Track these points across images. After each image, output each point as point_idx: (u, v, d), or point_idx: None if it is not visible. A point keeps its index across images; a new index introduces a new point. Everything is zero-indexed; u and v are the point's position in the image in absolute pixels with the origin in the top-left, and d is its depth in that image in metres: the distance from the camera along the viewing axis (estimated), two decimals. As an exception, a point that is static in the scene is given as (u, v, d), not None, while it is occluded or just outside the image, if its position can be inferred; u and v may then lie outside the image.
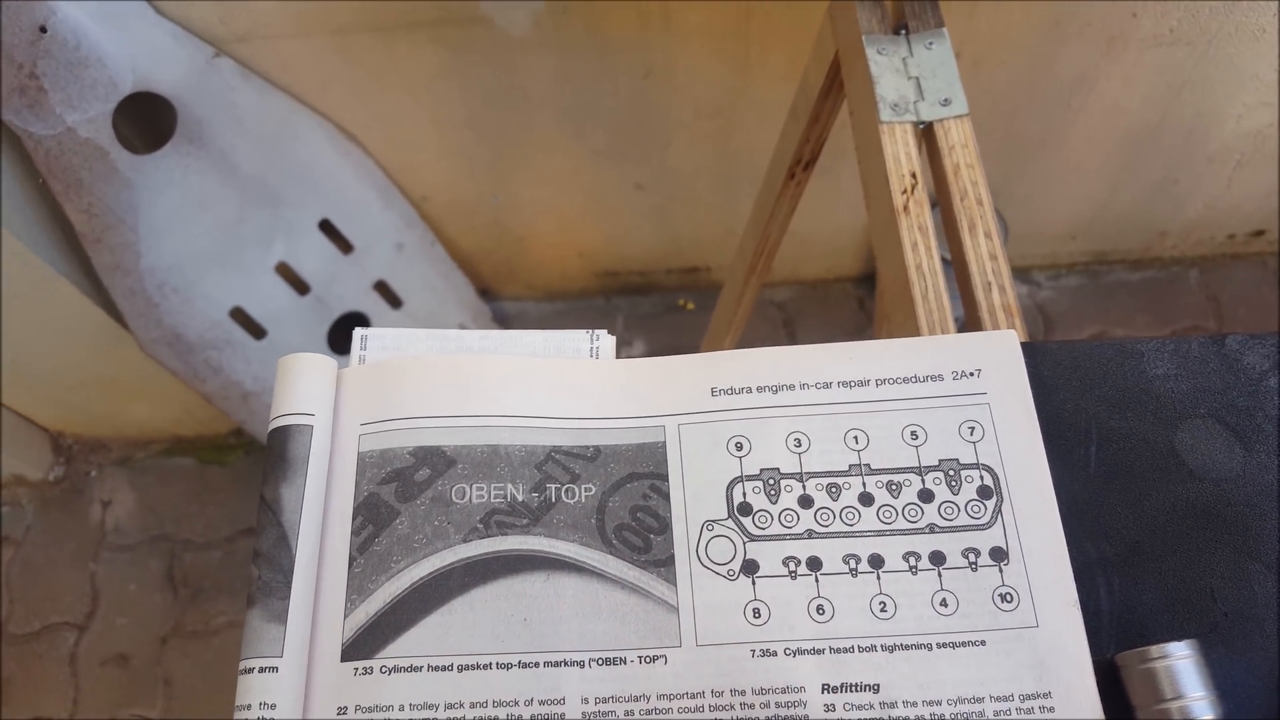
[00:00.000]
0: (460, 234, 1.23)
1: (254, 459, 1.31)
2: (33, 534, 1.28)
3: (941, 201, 0.49)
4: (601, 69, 0.97)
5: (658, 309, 1.38)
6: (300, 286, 1.07)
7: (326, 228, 1.07)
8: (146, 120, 0.92)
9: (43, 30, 0.77)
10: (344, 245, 1.09)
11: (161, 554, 1.27)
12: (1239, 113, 1.06)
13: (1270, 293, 1.32)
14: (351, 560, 0.31)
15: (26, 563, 1.27)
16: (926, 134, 0.50)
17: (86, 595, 1.25)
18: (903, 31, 0.53)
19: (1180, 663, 0.29)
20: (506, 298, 1.38)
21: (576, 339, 0.35)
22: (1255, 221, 1.26)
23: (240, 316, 1.03)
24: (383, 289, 1.15)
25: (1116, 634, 0.32)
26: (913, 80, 0.51)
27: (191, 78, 0.89)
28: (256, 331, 1.05)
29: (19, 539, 1.28)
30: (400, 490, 0.32)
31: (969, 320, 0.45)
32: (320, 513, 0.32)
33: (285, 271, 1.05)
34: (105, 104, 0.83)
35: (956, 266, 0.47)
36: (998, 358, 0.34)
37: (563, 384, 0.34)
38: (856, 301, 1.37)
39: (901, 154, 0.49)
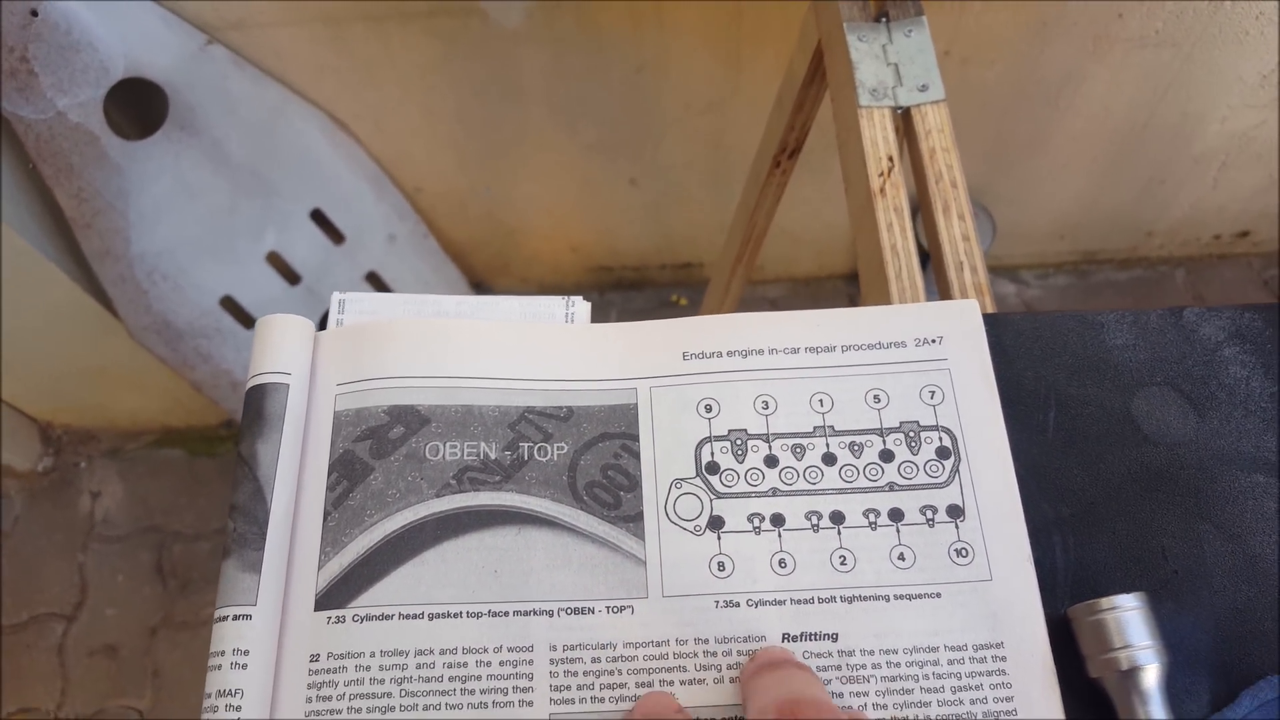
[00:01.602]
0: (453, 226, 1.23)
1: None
2: (21, 525, 1.29)
3: (918, 184, 0.50)
4: (594, 63, 0.98)
5: (651, 304, 1.39)
6: (291, 276, 1.08)
7: (318, 218, 1.07)
8: (138, 108, 0.92)
9: (34, 14, 0.78)
10: (336, 236, 1.10)
11: (151, 545, 1.27)
12: (1224, 114, 1.07)
13: (1255, 293, 1.33)
14: (326, 514, 0.32)
15: (15, 554, 1.27)
16: (905, 119, 0.51)
17: (75, 586, 1.25)
18: (883, 19, 0.54)
19: (1128, 614, 0.30)
20: (499, 291, 1.39)
21: (552, 305, 0.36)
22: (1241, 222, 1.27)
23: (230, 305, 1.04)
24: (374, 280, 1.15)
25: (1071, 590, 0.33)
26: (892, 66, 0.52)
27: (184, 64, 0.89)
28: (246, 320, 1.06)
29: (7, 530, 1.29)
30: (375, 447, 0.33)
31: (942, 298, 0.46)
32: (295, 468, 0.33)
33: (276, 261, 1.06)
34: (96, 89, 0.84)
35: (931, 247, 0.48)
36: (959, 326, 0.35)
37: (537, 347, 0.35)
38: (847, 298, 1.38)
39: (879, 138, 0.50)
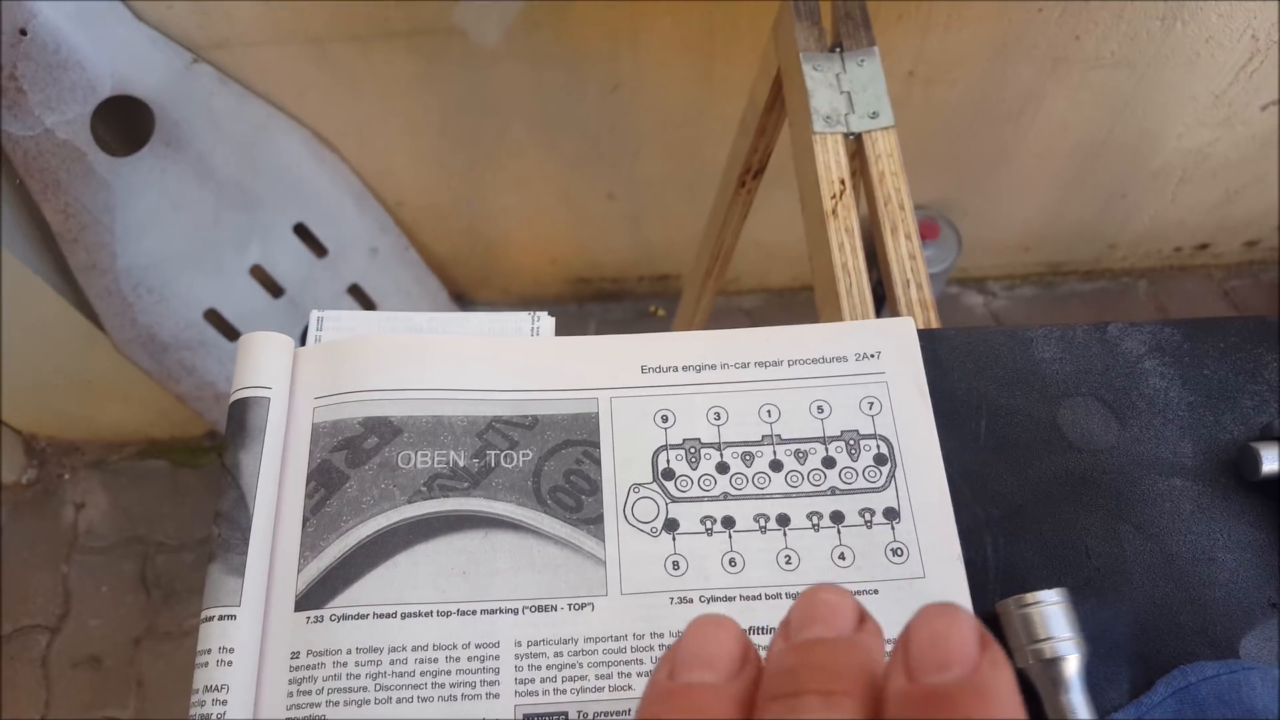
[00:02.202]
0: (434, 240, 1.26)
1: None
2: (5, 537, 1.29)
3: (869, 205, 0.53)
4: (572, 80, 1.01)
5: (629, 315, 1.42)
6: (274, 289, 1.10)
7: (301, 231, 1.09)
8: (125, 124, 0.94)
9: (23, 33, 0.79)
10: (318, 249, 1.12)
11: (134, 556, 1.28)
12: (1179, 131, 1.11)
13: (1216, 303, 1.37)
14: (305, 520, 0.34)
15: (-1, 565, 1.28)
16: (857, 144, 0.54)
17: (59, 597, 1.26)
18: (837, 49, 0.57)
19: (1051, 608, 0.33)
20: (480, 303, 1.41)
21: (519, 320, 0.39)
22: (1200, 235, 1.31)
23: (214, 318, 1.05)
24: (356, 293, 1.17)
25: (1000, 586, 0.35)
26: (845, 95, 0.55)
27: (170, 82, 0.91)
28: (230, 333, 1.08)
29: (-9, 541, 1.30)
30: (350, 457, 0.35)
31: (890, 312, 0.49)
32: (276, 477, 0.35)
33: (260, 274, 1.08)
34: (84, 106, 0.86)
35: (881, 264, 0.51)
36: (896, 341, 0.38)
37: (504, 360, 0.37)
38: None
39: (832, 162, 0.53)
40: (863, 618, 0.20)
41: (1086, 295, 1.38)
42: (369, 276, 1.17)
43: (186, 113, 0.94)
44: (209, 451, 1.33)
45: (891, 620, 0.33)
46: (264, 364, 0.36)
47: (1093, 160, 1.15)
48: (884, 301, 0.52)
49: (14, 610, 1.25)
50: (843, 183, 0.52)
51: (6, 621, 1.24)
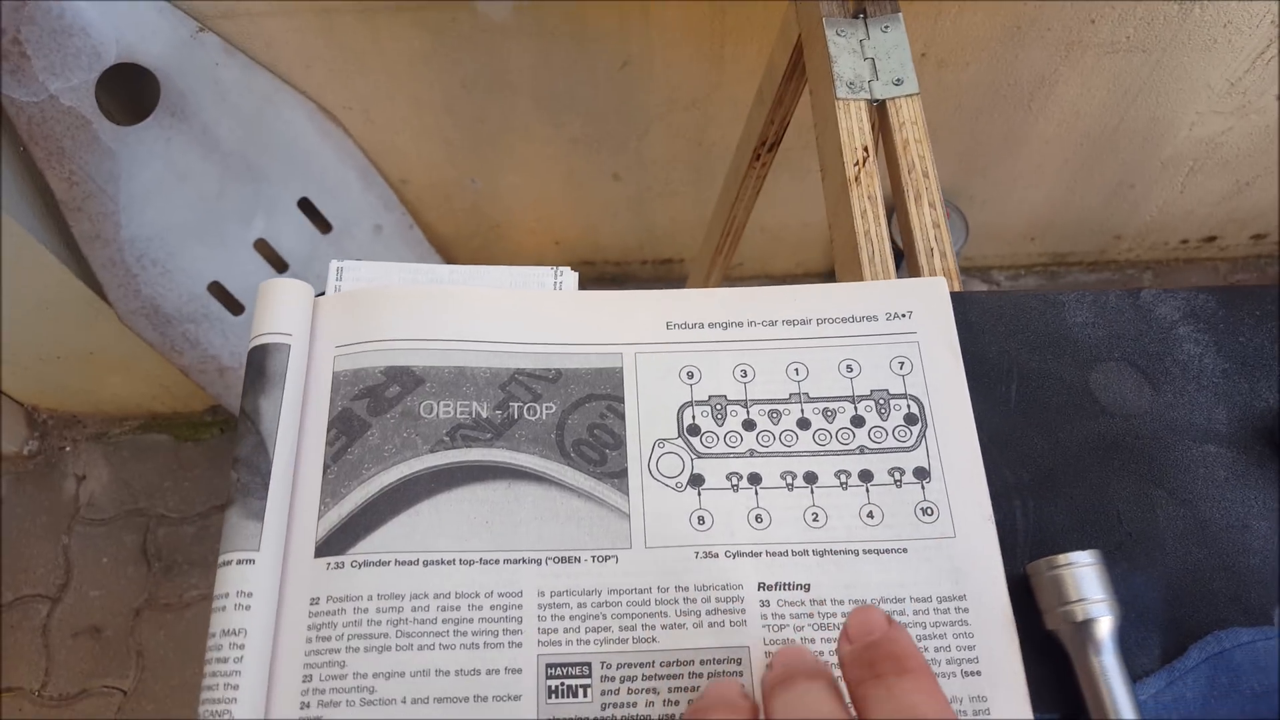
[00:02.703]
0: (438, 219, 1.25)
1: (230, 437, 1.32)
2: (6, 507, 1.29)
3: (891, 174, 0.52)
4: (580, 58, 1.00)
5: (631, 300, 1.41)
6: (278, 264, 1.09)
7: (306, 206, 1.08)
8: (130, 93, 0.93)
9: (28, -3, 0.78)
10: (323, 225, 1.11)
11: (135, 528, 1.28)
12: (1192, 120, 1.10)
13: (1222, 297, 1.36)
14: (326, 468, 0.34)
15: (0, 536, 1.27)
16: (880, 112, 0.53)
17: (59, 568, 1.25)
18: (861, 15, 0.56)
19: (1083, 569, 0.32)
20: (483, 285, 1.40)
21: (541, 274, 0.38)
22: (1207, 227, 1.31)
23: (218, 291, 1.05)
24: (360, 269, 1.16)
25: (1030, 550, 0.35)
26: (868, 61, 0.54)
27: (175, 51, 0.90)
28: (234, 307, 1.07)
29: (-8, 512, 1.29)
30: (372, 405, 0.35)
31: (913, 281, 0.48)
32: (296, 424, 0.34)
33: (264, 248, 1.07)
34: (88, 73, 0.85)
35: (903, 233, 0.50)
36: (928, 301, 0.37)
37: (528, 312, 0.37)
38: (825, 296, 1.40)
39: (855, 129, 0.52)
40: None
41: (1090, 286, 1.38)
42: (373, 254, 1.16)
43: (192, 83, 0.93)
44: (211, 426, 1.32)
45: (920, 578, 0.33)
46: (284, 311, 0.35)
47: (1103, 148, 1.14)
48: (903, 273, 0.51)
49: (15, 580, 1.24)
50: (866, 150, 0.51)
51: (8, 590, 1.24)
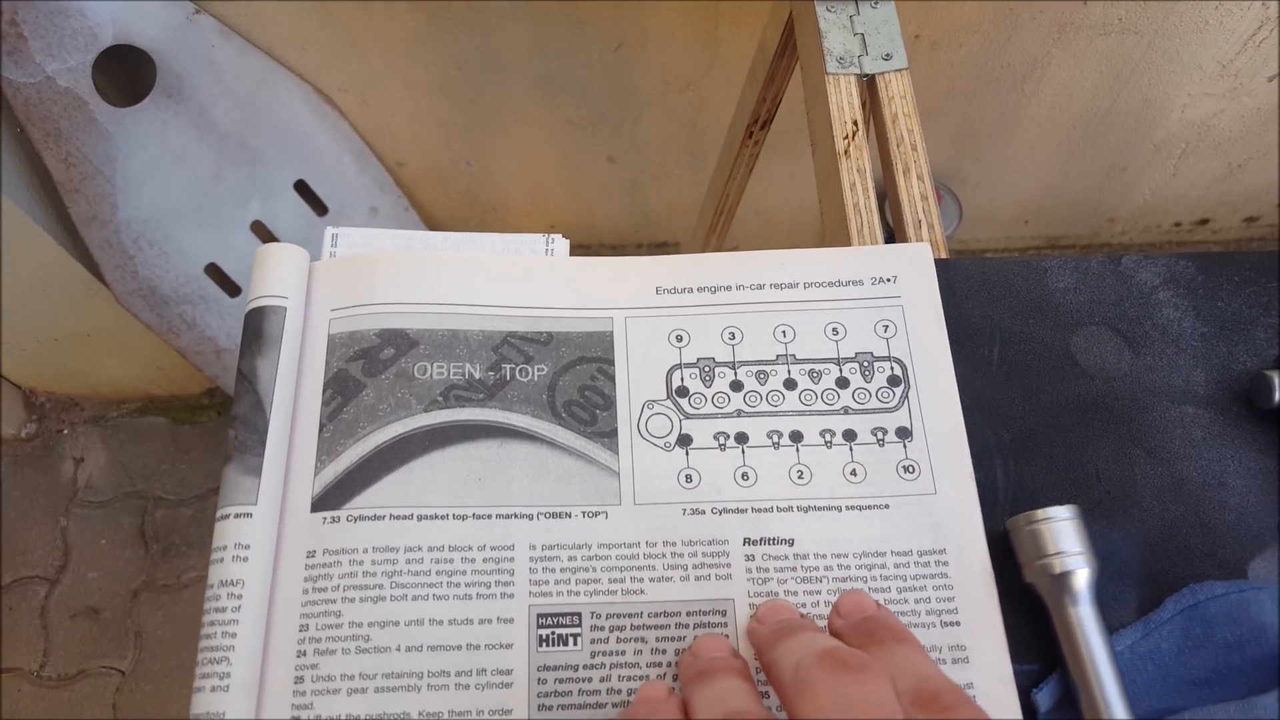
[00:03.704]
0: (433, 201, 1.25)
1: (227, 419, 1.33)
2: (4, 490, 1.29)
3: (880, 148, 0.53)
4: (574, 39, 1.00)
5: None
6: (275, 245, 1.09)
7: (302, 189, 1.09)
8: (126, 75, 0.94)
9: (26, -24, 0.79)
10: (319, 207, 1.11)
11: (133, 510, 1.28)
12: (1184, 102, 1.11)
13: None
14: (321, 426, 0.35)
15: (-3, 519, 1.28)
16: (870, 86, 0.54)
17: (58, 549, 1.26)
18: (851, -9, 0.57)
19: (1061, 524, 0.33)
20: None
21: (534, 241, 0.39)
22: (1200, 210, 1.31)
23: (215, 273, 1.05)
24: (356, 252, 1.17)
25: (1010, 507, 0.36)
26: (858, 36, 0.55)
27: (171, 33, 0.91)
28: (231, 288, 1.07)
29: (-10, 495, 1.30)
30: (367, 366, 0.35)
31: (901, 253, 0.49)
32: (292, 384, 0.35)
33: (260, 230, 1.07)
34: (85, 54, 0.85)
35: (892, 206, 0.51)
36: (912, 266, 0.38)
37: (520, 277, 0.37)
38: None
39: (845, 103, 0.53)
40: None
41: (1086, 269, 1.39)
42: (370, 235, 1.17)
43: (188, 65, 0.94)
44: (208, 409, 1.33)
45: (901, 533, 0.34)
46: (280, 274, 0.36)
47: (1095, 131, 1.15)
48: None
49: (13, 561, 1.25)
50: (855, 124, 0.52)
51: (6, 572, 1.24)
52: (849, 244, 0.49)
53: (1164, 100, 1.10)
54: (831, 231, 0.52)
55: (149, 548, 1.26)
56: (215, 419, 1.33)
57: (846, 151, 0.51)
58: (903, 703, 0.25)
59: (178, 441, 1.32)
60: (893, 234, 0.51)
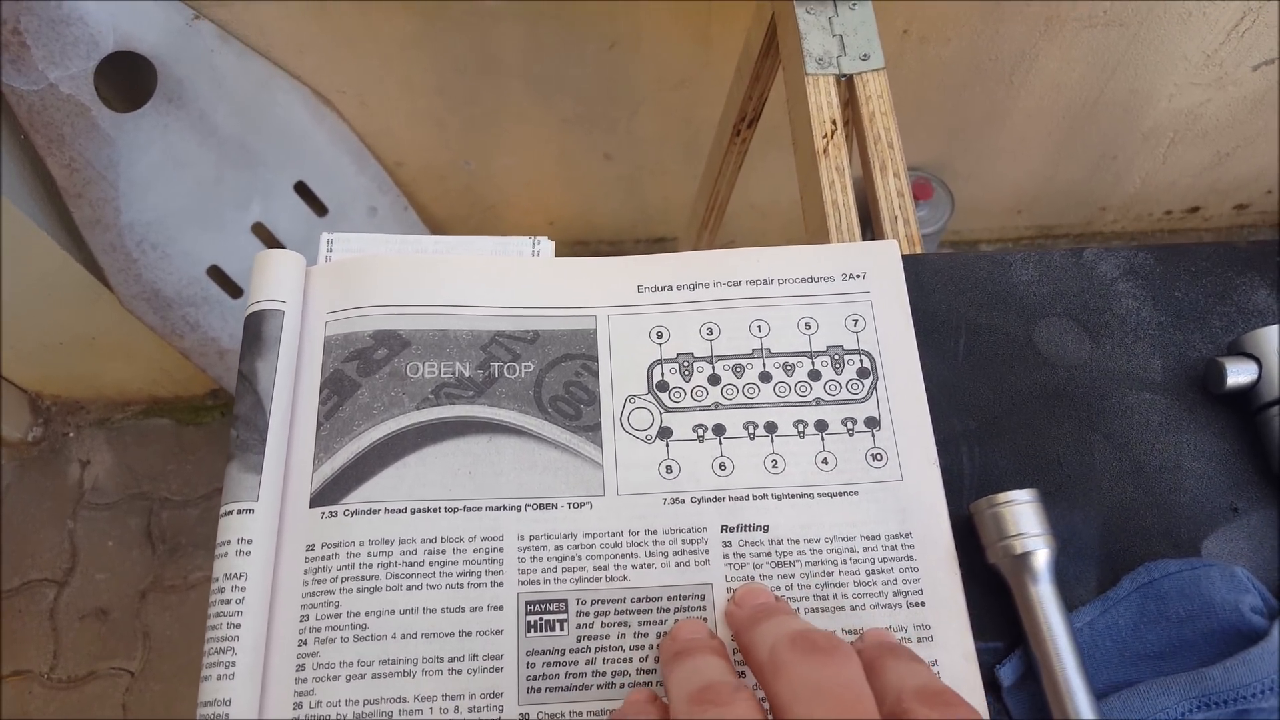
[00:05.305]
0: (433, 200, 1.27)
1: (229, 420, 1.35)
2: (11, 493, 1.31)
3: (859, 146, 0.54)
4: (569, 38, 1.02)
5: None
6: (276, 248, 1.11)
7: (302, 190, 1.11)
8: (128, 81, 0.95)
9: (27, -13, 0.80)
10: (319, 208, 1.13)
11: (139, 511, 1.30)
12: (1171, 92, 1.12)
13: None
14: (319, 425, 0.36)
15: (6, 521, 1.30)
16: (848, 86, 0.56)
17: (66, 552, 1.28)
18: (830, -6, 0.58)
19: (1022, 506, 0.35)
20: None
21: (520, 243, 0.41)
22: (1190, 198, 1.33)
23: (217, 275, 1.07)
24: (356, 252, 1.18)
25: (975, 492, 0.37)
26: (837, 37, 0.56)
27: (171, 39, 0.92)
28: (233, 290, 1.09)
29: (-2, 498, 1.32)
30: (361, 367, 0.37)
31: (878, 248, 0.51)
32: (291, 385, 0.37)
33: (261, 232, 1.09)
34: (87, 61, 0.87)
35: (870, 203, 0.52)
36: (880, 262, 0.40)
37: (507, 278, 0.39)
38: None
39: (824, 102, 0.54)
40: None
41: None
42: (369, 235, 1.18)
43: (188, 70, 0.95)
44: (212, 410, 1.35)
45: (870, 518, 0.36)
46: (278, 280, 0.38)
47: (1084, 121, 1.16)
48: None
49: (22, 564, 1.27)
50: (834, 123, 0.53)
51: (15, 575, 1.27)
52: (828, 240, 0.51)
53: (1151, 90, 1.12)
54: (813, 228, 0.54)
55: (156, 548, 1.28)
56: (219, 420, 1.35)
57: (825, 150, 0.53)
58: (910, 701, 0.26)
59: (182, 442, 1.34)
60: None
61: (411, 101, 1.10)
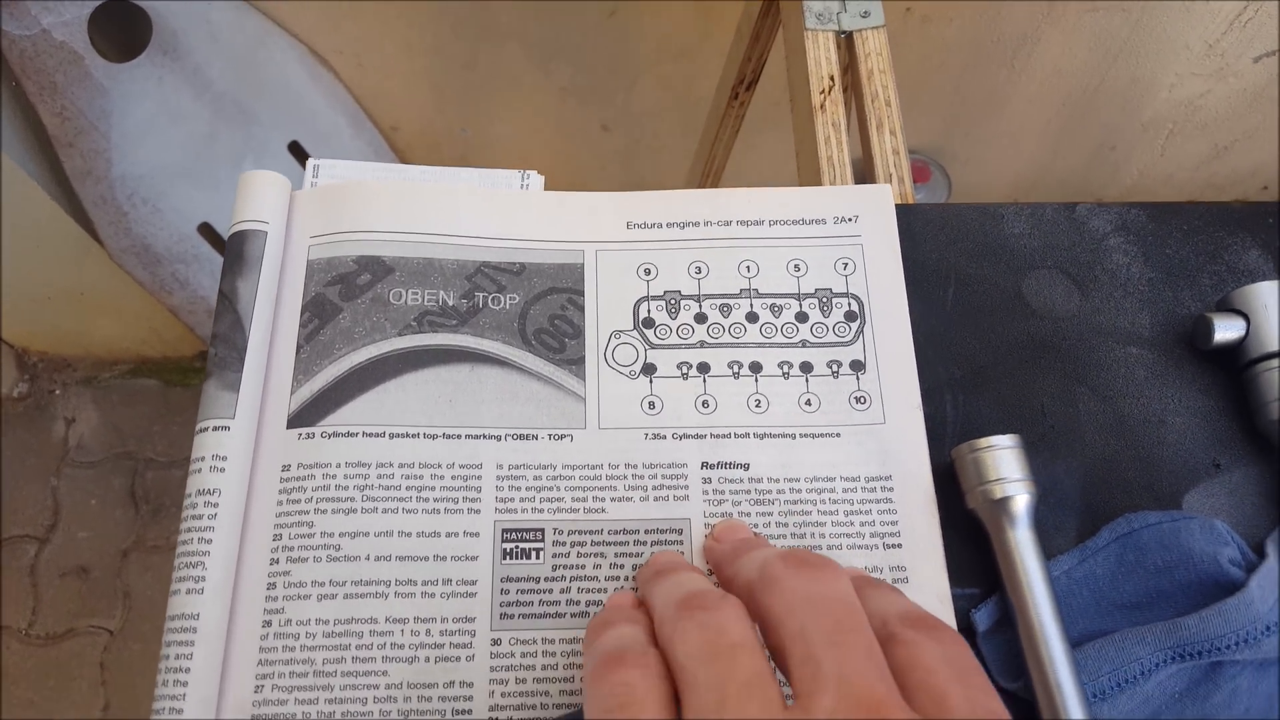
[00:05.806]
0: (428, 168, 1.26)
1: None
2: (-4, 449, 1.31)
3: (856, 103, 0.54)
4: (568, 3, 1.01)
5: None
6: (268, 206, 1.10)
7: (296, 150, 1.10)
8: (122, 31, 0.94)
9: (23, -72, 0.79)
10: (313, 169, 1.12)
11: (124, 471, 1.30)
12: (1171, 81, 1.12)
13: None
14: (299, 348, 0.36)
15: (-12, 477, 1.29)
16: (848, 43, 0.55)
17: (48, 509, 1.27)
18: (832, -48, 0.58)
19: (1003, 451, 0.35)
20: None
21: (509, 176, 0.40)
22: (1187, 192, 1.33)
23: (208, 232, 1.06)
24: (349, 215, 1.18)
25: (959, 439, 0.37)
26: (838, -6, 0.56)
27: (168, -11, 0.91)
28: (223, 249, 1.08)
29: (-19, 453, 1.31)
30: (344, 291, 0.37)
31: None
32: (271, 306, 0.36)
33: (254, 190, 1.08)
34: (81, 8, 0.86)
35: (865, 160, 0.52)
36: (873, 207, 0.39)
37: (495, 210, 0.39)
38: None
39: (822, 58, 0.54)
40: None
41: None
42: (363, 199, 1.17)
43: (184, 22, 0.94)
44: (200, 371, 1.34)
45: (850, 460, 0.35)
46: (261, 200, 0.37)
47: (1084, 108, 1.16)
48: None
49: (4, 520, 1.26)
50: (832, 79, 0.53)
51: (-4, 530, 1.26)
52: (821, 197, 0.51)
53: (1152, 79, 1.11)
54: (806, 182, 0.54)
55: (139, 508, 1.27)
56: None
57: (822, 106, 0.52)
58: (895, 625, 0.26)
59: (169, 403, 1.33)
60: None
61: (409, 63, 1.09)
